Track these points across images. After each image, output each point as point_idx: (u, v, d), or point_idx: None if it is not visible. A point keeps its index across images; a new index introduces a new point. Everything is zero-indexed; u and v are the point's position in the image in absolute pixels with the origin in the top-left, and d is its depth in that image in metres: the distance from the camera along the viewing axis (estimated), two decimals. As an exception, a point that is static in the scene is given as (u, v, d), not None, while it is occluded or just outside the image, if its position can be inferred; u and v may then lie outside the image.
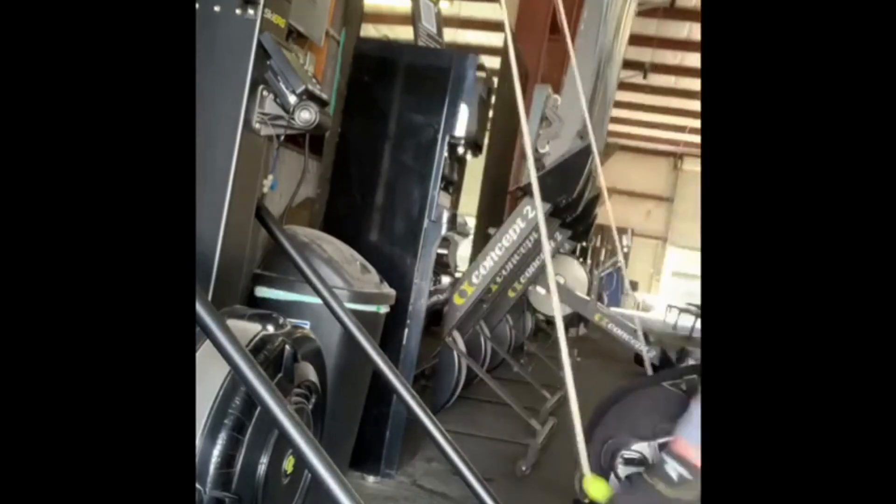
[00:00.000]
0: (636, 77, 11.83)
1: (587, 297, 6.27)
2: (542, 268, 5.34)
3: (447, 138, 2.58)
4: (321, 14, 2.20)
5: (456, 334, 3.68)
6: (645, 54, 11.16)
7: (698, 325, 10.41)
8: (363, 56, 2.72)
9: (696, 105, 11.43)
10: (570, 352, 6.03)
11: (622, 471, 1.24)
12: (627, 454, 1.23)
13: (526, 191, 3.82)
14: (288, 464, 1.48)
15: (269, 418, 1.26)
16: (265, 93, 1.58)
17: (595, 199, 5.12)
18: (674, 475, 1.08)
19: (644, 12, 9.38)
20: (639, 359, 6.46)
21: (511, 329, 5.32)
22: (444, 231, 2.63)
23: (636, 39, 9.07)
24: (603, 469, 1.27)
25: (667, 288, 19.00)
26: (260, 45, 1.54)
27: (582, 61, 5.01)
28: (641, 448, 1.23)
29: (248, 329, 1.48)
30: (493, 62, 5.44)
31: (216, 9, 1.53)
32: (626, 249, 9.09)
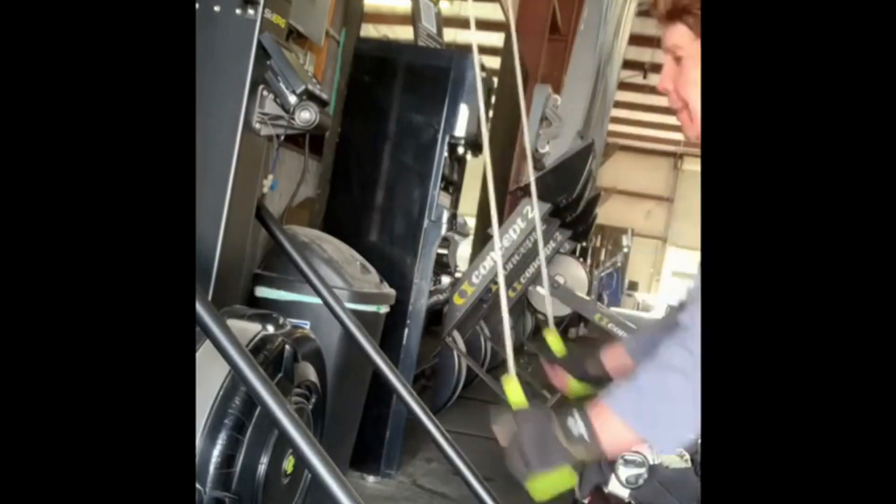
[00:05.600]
0: (636, 77, 11.84)
1: (587, 297, 6.27)
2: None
3: (447, 138, 2.58)
4: (321, 14, 2.20)
5: (456, 334, 3.68)
6: (645, 54, 11.16)
7: (698, 325, 10.36)
8: (363, 56, 2.72)
9: (695, 105, 11.38)
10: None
11: (622, 472, 1.23)
12: (628, 455, 1.23)
13: (526, 191, 3.82)
14: (288, 464, 1.48)
15: (269, 418, 1.26)
16: (265, 93, 1.58)
17: (595, 199, 5.12)
18: (574, 431, 1.02)
19: (644, 12, 9.38)
20: (639, 359, 6.45)
21: (511, 329, 5.32)
22: (444, 231, 2.63)
23: (636, 39, 9.07)
24: (604, 470, 1.26)
25: (667, 288, 19.00)
26: (260, 45, 1.53)
27: (582, 61, 5.02)
28: (642, 449, 1.23)
29: (248, 329, 1.48)
30: (493, 62, 5.44)
31: (216, 9, 1.53)
32: (626, 249, 9.10)
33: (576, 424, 1.00)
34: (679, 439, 1.01)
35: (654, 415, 0.97)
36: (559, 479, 1.02)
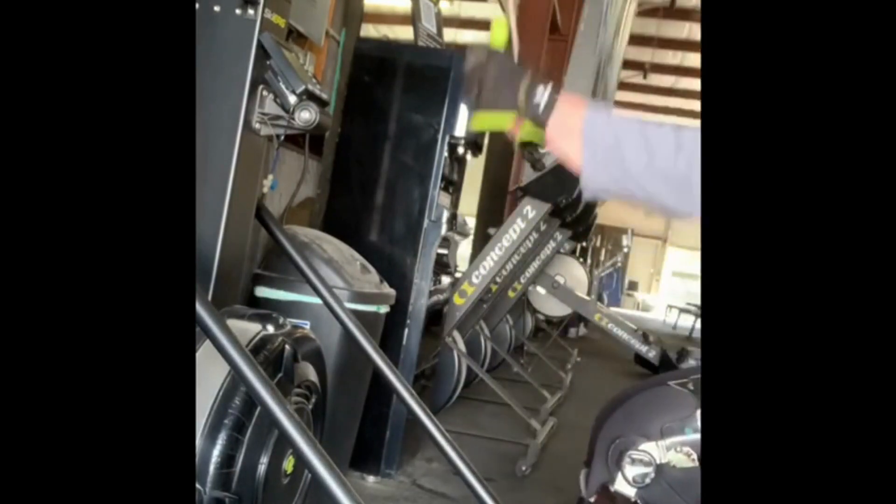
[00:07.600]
0: (636, 77, 11.83)
1: (587, 297, 6.27)
2: (542, 268, 5.35)
3: (447, 138, 2.58)
4: (321, 14, 2.20)
5: (456, 334, 3.68)
6: (645, 54, 11.15)
7: (698, 325, 10.41)
8: (363, 56, 2.72)
9: (696, 105, 11.43)
10: (570, 352, 6.01)
11: (629, 471, 1.23)
12: (635, 454, 1.22)
13: (526, 191, 3.82)
14: (288, 464, 1.48)
15: (269, 418, 1.26)
16: (265, 93, 1.58)
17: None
18: (536, 98, 1.00)
19: (644, 12, 9.37)
20: (639, 359, 6.47)
21: (511, 329, 5.33)
22: (444, 231, 2.63)
23: (636, 39, 9.07)
24: (610, 468, 1.26)
25: (667, 288, 19.00)
26: (260, 45, 1.53)
27: (582, 61, 5.02)
28: (649, 448, 1.22)
29: (248, 329, 1.48)
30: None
31: (216, 9, 1.53)
32: (626, 249, 9.08)
33: (541, 95, 1.00)
34: (608, 190, 1.00)
35: (606, 160, 0.97)
36: (501, 119, 1.07)
